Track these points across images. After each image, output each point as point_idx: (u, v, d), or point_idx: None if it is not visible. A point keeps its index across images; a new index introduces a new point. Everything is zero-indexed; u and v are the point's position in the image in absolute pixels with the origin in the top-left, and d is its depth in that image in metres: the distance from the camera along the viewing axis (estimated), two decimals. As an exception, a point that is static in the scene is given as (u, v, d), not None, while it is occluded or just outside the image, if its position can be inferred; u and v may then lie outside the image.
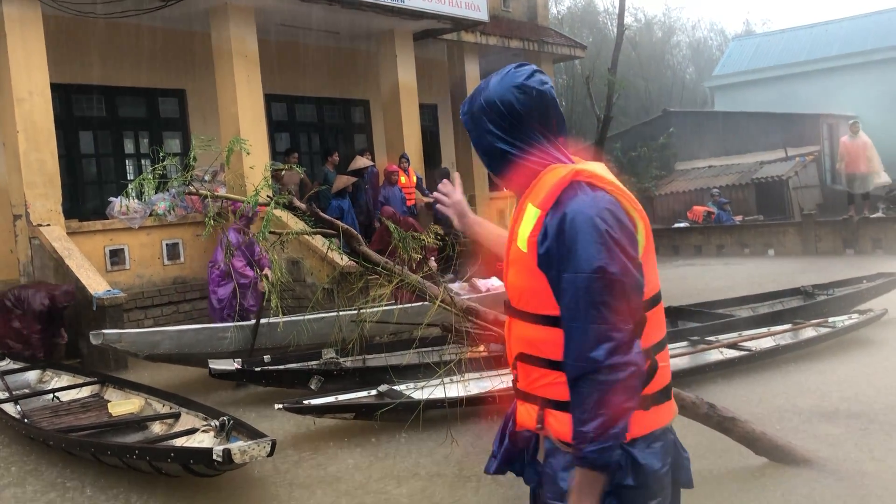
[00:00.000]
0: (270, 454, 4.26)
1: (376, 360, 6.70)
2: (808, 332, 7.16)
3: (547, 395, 1.81)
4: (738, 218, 18.25)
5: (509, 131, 1.85)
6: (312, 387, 6.05)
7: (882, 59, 25.41)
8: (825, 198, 20.30)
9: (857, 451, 4.52)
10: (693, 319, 7.86)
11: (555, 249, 1.71)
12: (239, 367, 6.22)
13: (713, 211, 18.11)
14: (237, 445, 4.15)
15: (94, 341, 6.75)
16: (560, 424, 1.78)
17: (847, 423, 5.02)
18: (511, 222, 1.88)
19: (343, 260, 7.19)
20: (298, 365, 6.45)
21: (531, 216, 1.79)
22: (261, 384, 6.51)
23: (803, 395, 5.75)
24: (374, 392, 5.63)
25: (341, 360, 6.45)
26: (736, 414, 4.27)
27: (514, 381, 1.94)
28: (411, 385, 5.71)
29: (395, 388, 5.64)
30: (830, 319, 7.36)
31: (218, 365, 6.22)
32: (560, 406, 1.78)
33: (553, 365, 1.78)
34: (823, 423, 5.08)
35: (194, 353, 6.93)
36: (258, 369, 6.29)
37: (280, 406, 5.20)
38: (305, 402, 5.33)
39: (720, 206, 18.13)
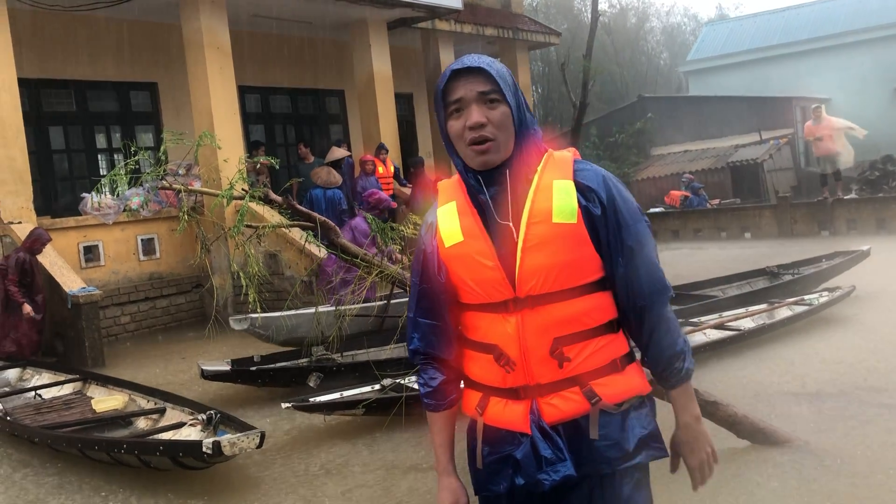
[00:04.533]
0: (259, 445, 4.25)
1: (362, 355, 6.62)
2: (785, 312, 7.25)
3: (593, 365, 1.80)
4: (715, 202, 18.38)
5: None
6: (311, 384, 5.89)
7: (852, 42, 25.70)
8: (799, 180, 20.50)
9: (834, 430, 4.58)
10: (674, 302, 7.91)
11: (611, 207, 1.80)
12: (231, 367, 6.10)
13: (689, 195, 18.24)
14: (226, 437, 4.13)
15: (238, 326, 6.58)
16: (611, 388, 1.81)
17: (825, 403, 5.08)
18: (530, 204, 1.77)
19: (321, 252, 7.14)
20: (292, 363, 6.33)
21: (565, 189, 1.79)
22: (255, 384, 6.32)
23: (782, 375, 5.80)
24: (377, 386, 5.45)
25: (334, 355, 6.33)
26: (718, 397, 4.30)
27: (530, 379, 1.80)
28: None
29: (400, 381, 5.40)
30: (806, 298, 7.46)
31: (210, 366, 6.08)
32: (606, 371, 1.81)
33: (601, 330, 1.82)
34: (803, 403, 5.13)
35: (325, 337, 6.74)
36: (253, 369, 6.17)
37: (287, 405, 5.02)
38: (312, 399, 5.16)
39: (694, 191, 18.25)
